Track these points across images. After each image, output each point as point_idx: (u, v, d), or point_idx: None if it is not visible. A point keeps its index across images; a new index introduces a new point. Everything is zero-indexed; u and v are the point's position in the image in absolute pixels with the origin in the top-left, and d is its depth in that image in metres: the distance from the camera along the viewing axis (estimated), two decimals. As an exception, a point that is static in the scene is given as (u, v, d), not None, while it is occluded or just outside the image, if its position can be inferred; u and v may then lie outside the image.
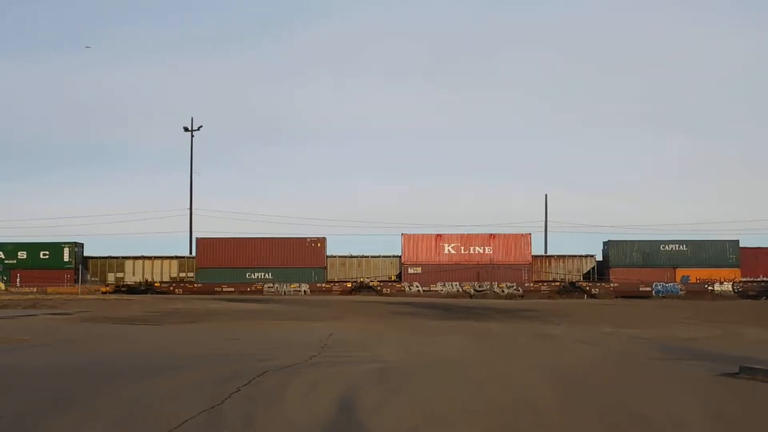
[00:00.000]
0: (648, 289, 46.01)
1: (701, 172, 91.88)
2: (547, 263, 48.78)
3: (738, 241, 48.15)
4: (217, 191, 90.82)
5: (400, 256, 47.98)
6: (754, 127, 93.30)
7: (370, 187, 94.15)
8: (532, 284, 46.70)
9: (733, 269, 47.04)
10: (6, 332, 16.78)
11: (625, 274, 46.86)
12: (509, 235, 47.90)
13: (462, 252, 47.45)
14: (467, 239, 47.75)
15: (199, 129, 58.35)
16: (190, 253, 54.24)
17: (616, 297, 44.37)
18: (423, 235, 48.08)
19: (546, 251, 54.26)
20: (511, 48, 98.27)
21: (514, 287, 46.45)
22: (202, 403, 7.41)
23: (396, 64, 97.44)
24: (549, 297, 44.24)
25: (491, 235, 47.78)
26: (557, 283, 47.19)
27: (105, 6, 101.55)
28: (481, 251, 47.30)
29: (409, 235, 47.85)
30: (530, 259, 47.47)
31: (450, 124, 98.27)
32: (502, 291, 46.16)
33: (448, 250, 47.44)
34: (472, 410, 7.44)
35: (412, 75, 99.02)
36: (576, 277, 47.99)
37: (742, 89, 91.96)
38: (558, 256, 49.34)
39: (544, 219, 59.30)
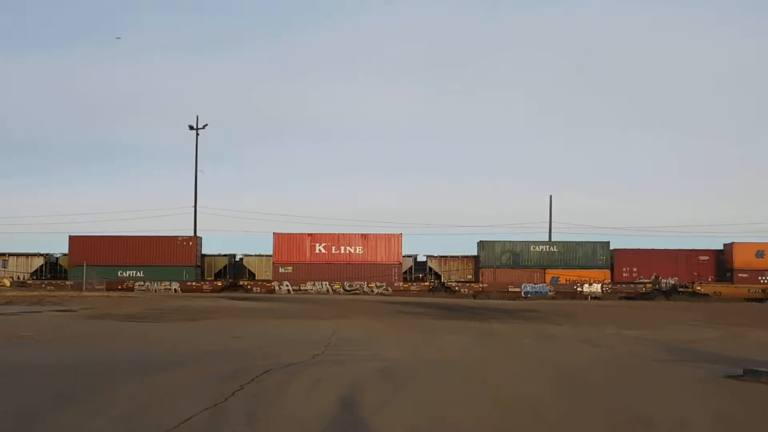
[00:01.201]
0: (517, 289, 46.47)
1: (701, 172, 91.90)
2: (422, 262, 49.39)
3: (608, 242, 48.48)
4: (220, 189, 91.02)
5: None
6: (755, 127, 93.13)
7: (372, 186, 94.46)
8: (401, 284, 47.36)
9: (603, 270, 47.48)
10: (11, 329, 16.85)
11: (496, 274, 47.41)
12: (380, 234, 48.38)
13: (333, 251, 47.93)
14: (339, 239, 48.28)
15: (204, 127, 58.37)
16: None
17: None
18: (294, 234, 48.56)
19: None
20: (511, 48, 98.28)
21: (384, 287, 47.03)
22: (206, 401, 7.44)
23: (400, 64, 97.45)
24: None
25: (363, 234, 48.28)
26: (427, 283, 47.79)
27: (112, 4, 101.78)
28: (353, 251, 47.86)
29: (281, 234, 48.28)
30: (400, 259, 47.97)
31: (451, 124, 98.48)
32: (372, 290, 46.67)
33: (320, 249, 47.96)
34: (475, 409, 7.44)
35: (415, 74, 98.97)
36: (460, 276, 48.53)
37: (743, 89, 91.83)
38: (437, 256, 49.75)
39: (548, 220, 59.19)
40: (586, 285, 46.56)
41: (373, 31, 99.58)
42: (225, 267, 50.17)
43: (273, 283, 47.43)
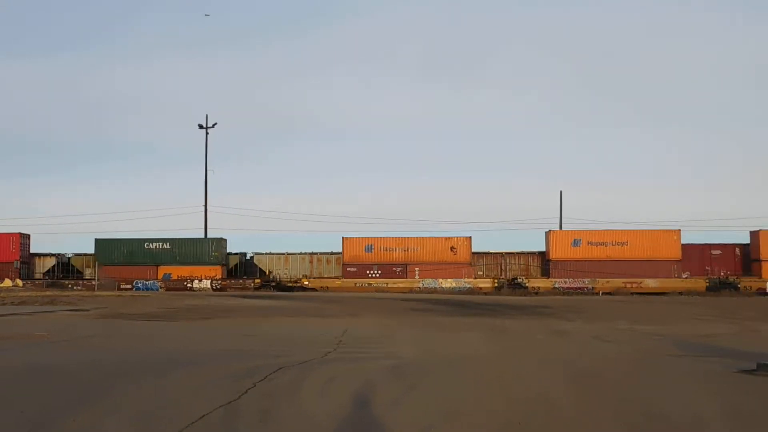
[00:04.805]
0: (129, 286, 47.93)
1: (699, 168, 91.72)
2: (41, 261, 52.02)
3: (225, 239, 50.35)
4: (230, 188, 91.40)
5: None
6: (756, 122, 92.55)
7: (377, 184, 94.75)
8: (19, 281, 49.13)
9: (215, 267, 49.39)
10: (26, 329, 17.00)
11: (112, 271, 48.97)
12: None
13: None
14: None
15: (213, 126, 58.55)
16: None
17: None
18: None
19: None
20: (511, 48, 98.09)
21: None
22: (220, 399, 7.49)
23: (407, 63, 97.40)
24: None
25: None
26: (41, 280, 49.68)
27: (120, 3, 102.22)
28: None
29: None
30: (18, 256, 50.14)
31: (452, 123, 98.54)
32: None
33: None
34: (489, 406, 7.45)
35: (416, 74, 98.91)
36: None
37: (743, 87, 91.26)
38: (53, 254, 52.21)
39: (554, 215, 59.08)
40: (196, 281, 48.42)
41: (380, 30, 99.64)
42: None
43: None
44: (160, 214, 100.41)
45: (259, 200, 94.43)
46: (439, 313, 24.62)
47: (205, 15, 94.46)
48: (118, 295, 39.93)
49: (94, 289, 46.14)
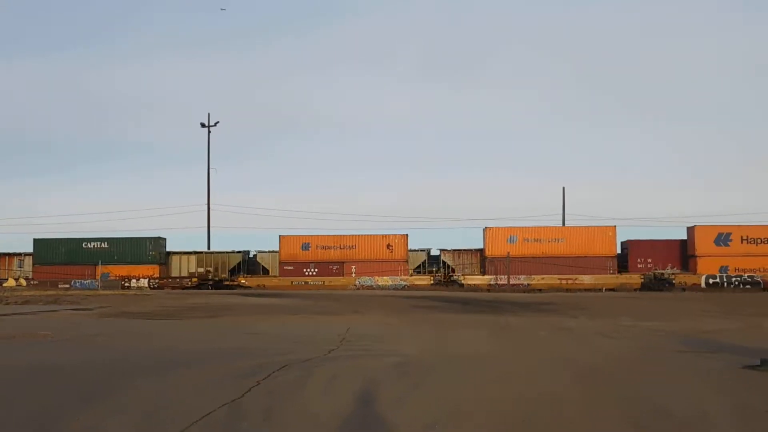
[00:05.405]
0: (67, 285, 48.22)
1: (698, 167, 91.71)
2: None
3: (159, 238, 50.40)
4: (230, 187, 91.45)
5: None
6: (756, 122, 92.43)
7: (375, 183, 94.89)
8: None
9: (152, 266, 49.73)
10: (30, 328, 17.02)
11: (51, 270, 49.43)
12: None
13: None
14: None
15: (215, 125, 58.60)
16: (208, 248, 54.70)
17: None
18: None
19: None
20: (510, 48, 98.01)
21: None
22: (224, 397, 7.49)
23: (406, 63, 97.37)
24: None
25: None
26: None
27: (120, 3, 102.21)
28: None
29: None
30: None
31: (452, 123, 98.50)
32: None
33: None
34: (493, 404, 7.44)
35: (421, 74, 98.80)
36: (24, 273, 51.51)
37: (743, 86, 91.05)
38: None
39: (561, 212, 59.07)
40: (134, 280, 48.89)
41: (380, 30, 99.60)
42: None
43: None
44: (164, 212, 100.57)
45: (260, 199, 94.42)
46: (441, 310, 24.62)
47: (221, 9, 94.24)
48: (122, 294, 40.00)
49: (34, 288, 46.28)
